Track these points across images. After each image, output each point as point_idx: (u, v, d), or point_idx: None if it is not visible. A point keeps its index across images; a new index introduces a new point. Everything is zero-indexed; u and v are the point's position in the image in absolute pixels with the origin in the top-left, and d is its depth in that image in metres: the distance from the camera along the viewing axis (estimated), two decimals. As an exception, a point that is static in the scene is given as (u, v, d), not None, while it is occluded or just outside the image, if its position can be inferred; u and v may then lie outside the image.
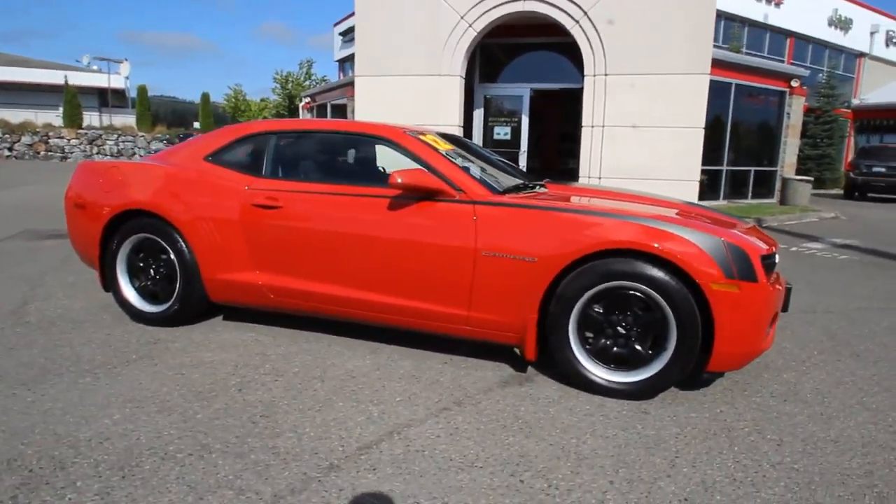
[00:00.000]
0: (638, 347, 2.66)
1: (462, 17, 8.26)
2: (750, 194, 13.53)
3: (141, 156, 28.38)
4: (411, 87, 8.59)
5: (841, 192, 17.12)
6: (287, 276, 3.14)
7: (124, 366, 2.87)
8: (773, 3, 18.02)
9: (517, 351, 3.27)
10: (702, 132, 7.62)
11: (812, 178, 13.22)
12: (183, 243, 3.33)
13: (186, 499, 1.82)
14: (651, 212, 2.76)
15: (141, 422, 2.30)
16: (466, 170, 3.00)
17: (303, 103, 24.71)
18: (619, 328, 2.68)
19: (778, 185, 13.65)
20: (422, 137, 3.14)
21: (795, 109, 14.20)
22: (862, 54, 21.57)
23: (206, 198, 3.29)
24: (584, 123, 8.04)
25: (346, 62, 31.85)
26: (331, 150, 3.52)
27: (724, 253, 2.49)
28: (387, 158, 3.88)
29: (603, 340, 2.70)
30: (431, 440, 2.25)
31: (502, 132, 9.82)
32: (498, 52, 9.56)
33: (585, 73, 7.97)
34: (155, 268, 3.50)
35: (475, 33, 8.33)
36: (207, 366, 2.90)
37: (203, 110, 34.67)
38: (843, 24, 20.13)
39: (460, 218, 2.79)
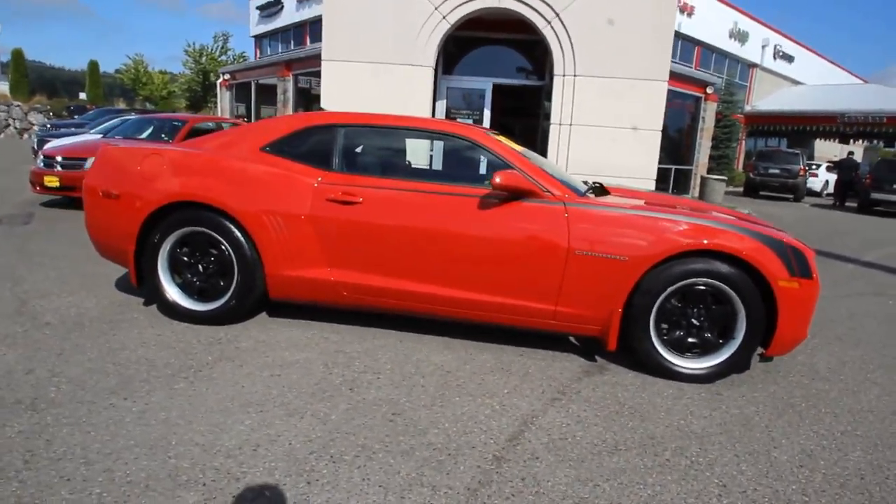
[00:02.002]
0: (708, 336, 2.98)
1: (436, 9, 8.27)
2: (671, 190, 14.79)
3: (18, 128, 25.20)
4: (382, 75, 8.47)
5: (739, 189, 19.17)
6: (367, 274, 3.12)
7: (208, 368, 2.73)
8: (685, 13, 19.64)
9: (573, 339, 3.49)
10: (659, 134, 8.29)
11: (726, 178, 14.69)
12: (242, 237, 3.18)
13: (388, 498, 1.85)
14: (723, 216, 3.08)
15: (278, 426, 2.24)
16: (547, 171, 3.14)
17: (220, 80, 23.20)
18: (692, 320, 2.98)
19: (696, 182, 15.03)
20: (500, 139, 3.24)
21: (709, 114, 15.69)
22: (754, 65, 24.19)
23: (271, 190, 3.16)
24: (552, 121, 8.42)
25: (264, 38, 30.22)
26: (411, 147, 3.49)
27: (788, 254, 2.86)
28: (410, 152, 3.92)
29: (678, 332, 2.99)
30: (566, 428, 2.41)
31: (464, 124, 9.95)
32: (462, 44, 9.66)
33: (555, 72, 8.33)
34: (205, 264, 3.30)
35: (448, 25, 8.38)
36: (298, 366, 2.83)
37: (91, 80, 31.30)
38: (741, 36, 22.42)
39: (553, 218, 2.94)
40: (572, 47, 8.09)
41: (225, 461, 1.99)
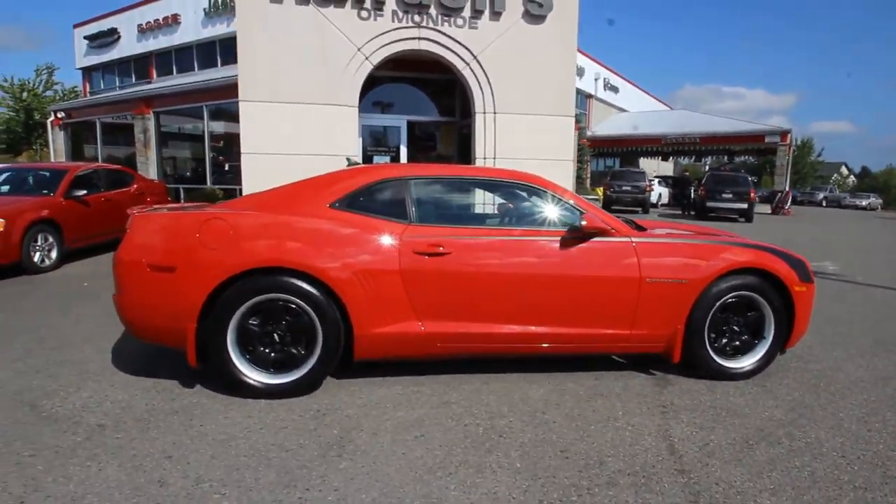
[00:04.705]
0: (746, 338, 3.56)
1: (359, 49, 8.36)
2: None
3: None
4: (306, 116, 8.28)
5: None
6: (460, 322, 3.18)
7: (348, 443, 2.59)
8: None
9: (616, 357, 3.88)
10: (571, 163, 9.25)
11: (598, 197, 16.57)
12: (325, 299, 3.05)
13: (646, 527, 2.02)
14: (748, 239, 3.71)
15: (483, 484, 2.26)
16: (607, 211, 3.52)
17: (51, 119, 20.29)
18: (733, 327, 3.54)
19: (571, 201, 16.71)
20: (559, 184, 3.55)
21: (574, 141, 17.61)
22: (590, 96, 27.69)
23: (356, 248, 3.10)
24: (477, 156, 8.94)
25: (94, 71, 27.03)
26: (481, 196, 3.61)
27: (796, 264, 3.57)
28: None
29: (723, 338, 3.53)
30: (699, 435, 2.75)
31: (381, 161, 10.09)
32: (374, 83, 9.83)
33: (476, 110, 8.89)
34: (280, 332, 3.09)
35: (371, 66, 8.52)
36: (428, 424, 2.81)
37: None
38: (578, 71, 25.51)
39: (625, 252, 3.32)
40: (490, 87, 8.74)
41: (477, 528, 1.99)
